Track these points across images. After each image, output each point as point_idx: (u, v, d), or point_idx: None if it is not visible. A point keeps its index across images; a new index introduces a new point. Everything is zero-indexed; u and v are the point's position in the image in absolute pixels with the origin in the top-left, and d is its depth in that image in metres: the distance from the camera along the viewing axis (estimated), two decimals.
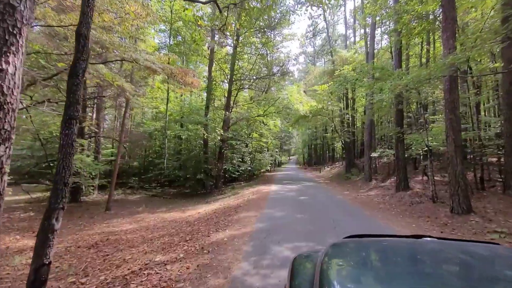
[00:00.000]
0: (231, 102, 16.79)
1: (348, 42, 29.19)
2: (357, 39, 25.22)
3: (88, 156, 11.26)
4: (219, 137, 14.51)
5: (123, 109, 20.53)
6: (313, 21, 27.17)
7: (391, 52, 18.16)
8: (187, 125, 16.47)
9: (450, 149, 6.95)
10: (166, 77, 8.22)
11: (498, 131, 10.61)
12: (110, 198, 10.61)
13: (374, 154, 15.29)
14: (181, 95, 21.89)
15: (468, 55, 6.23)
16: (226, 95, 16.42)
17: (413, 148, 10.72)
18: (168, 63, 8.29)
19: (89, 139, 13.17)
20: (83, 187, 13.53)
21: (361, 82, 12.94)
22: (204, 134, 14.21)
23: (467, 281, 0.97)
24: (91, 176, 13.77)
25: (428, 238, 1.41)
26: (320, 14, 25.00)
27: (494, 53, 9.11)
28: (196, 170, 15.13)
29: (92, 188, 14.35)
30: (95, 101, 13.67)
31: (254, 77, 17.14)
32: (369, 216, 6.97)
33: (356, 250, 1.32)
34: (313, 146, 48.86)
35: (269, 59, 17.41)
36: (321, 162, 42.10)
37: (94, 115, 14.88)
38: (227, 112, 15.23)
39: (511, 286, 0.92)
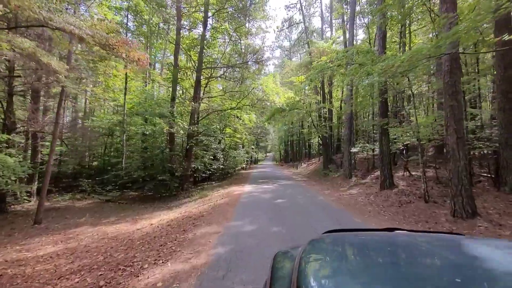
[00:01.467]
0: (200, 93, 14.93)
1: (324, 36, 28.44)
2: (334, 34, 24.43)
3: (12, 155, 8.86)
4: (183, 131, 12.62)
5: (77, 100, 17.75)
6: (288, 11, 25.90)
7: (370, 43, 17.44)
8: (151, 119, 14.36)
9: (451, 141, 5.88)
10: (102, 51, 6.28)
11: (482, 122, 10.06)
12: (40, 208, 8.39)
13: (354, 149, 14.37)
14: (145, 86, 19.50)
15: (472, 26, 5.14)
16: (194, 85, 14.50)
17: (399, 141, 9.77)
18: (108, 33, 6.31)
19: (16, 135, 10.64)
20: (18, 193, 11.03)
21: (342, 69, 11.86)
22: (165, 128, 12.24)
23: (436, 270, 1.01)
24: (23, 180, 11.28)
25: (400, 231, 1.49)
26: (296, 3, 23.76)
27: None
28: (158, 170, 13.12)
29: (27, 194, 11.78)
30: (29, 88, 11.10)
31: (225, 66, 15.39)
32: (361, 223, 5.71)
33: (334, 245, 1.35)
34: (289, 143, 48.20)
35: (242, 47, 15.74)
36: (298, 159, 41.47)
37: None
38: (195, 104, 13.36)
39: (475, 272, 0.97)
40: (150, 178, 12.97)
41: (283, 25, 28.39)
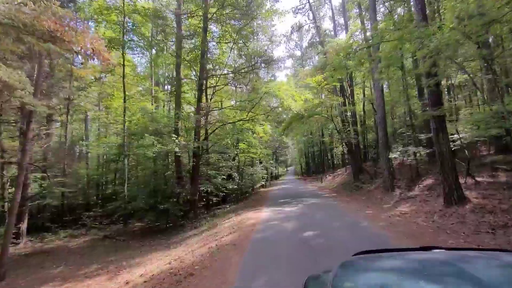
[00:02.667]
0: (206, 104, 13.19)
1: (337, 38, 26.41)
2: (350, 28, 22.28)
3: None
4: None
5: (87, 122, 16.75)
6: (296, 14, 24.32)
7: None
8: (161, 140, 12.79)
9: None
10: (40, 41, 4.58)
11: None
12: (3, 257, 6.62)
13: (393, 155, 11.67)
14: (152, 105, 18.27)
15: None
16: (196, 95, 12.82)
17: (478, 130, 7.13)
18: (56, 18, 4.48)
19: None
20: None
21: (366, 63, 9.63)
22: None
23: None
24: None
25: (438, 250, 1.36)
26: (305, 4, 22.13)
27: None
28: (160, 197, 11.22)
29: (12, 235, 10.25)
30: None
31: (231, 72, 13.64)
32: None
33: (366, 268, 1.27)
34: (310, 154, 45.21)
35: (249, 49, 13.97)
36: (321, 171, 38.36)
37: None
38: (198, 116, 11.55)
39: None
40: (151, 207, 11.05)
41: (292, 30, 26.74)
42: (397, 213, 8.08)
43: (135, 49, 15.25)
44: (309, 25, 28.41)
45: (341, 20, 26.04)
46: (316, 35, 25.24)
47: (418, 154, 11.57)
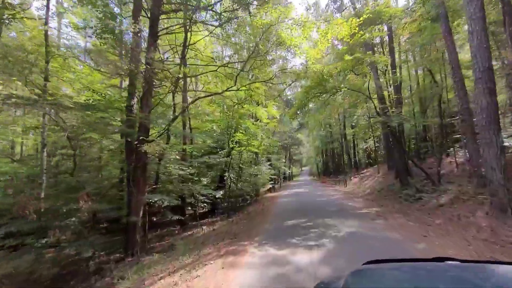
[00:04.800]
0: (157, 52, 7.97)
1: None
2: None
3: None
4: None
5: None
6: None
7: None
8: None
9: None
10: None
11: None
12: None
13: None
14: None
15: None
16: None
17: None
18: None
19: None
20: None
21: None
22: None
23: None
24: None
25: (452, 262, 1.29)
26: None
27: None
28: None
29: None
30: None
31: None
32: None
33: (377, 278, 1.22)
34: (329, 152, 38.88)
35: None
36: (341, 171, 32.30)
37: None
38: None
39: None
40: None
41: None
42: None
43: None
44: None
45: None
46: None
47: None
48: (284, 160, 33.18)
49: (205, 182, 12.20)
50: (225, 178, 13.39)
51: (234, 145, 13.19)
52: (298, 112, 11.89)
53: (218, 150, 13.81)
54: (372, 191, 15.07)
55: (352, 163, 27.43)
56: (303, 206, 11.05)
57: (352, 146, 29.09)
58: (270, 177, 18.73)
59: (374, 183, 17.29)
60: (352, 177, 23.22)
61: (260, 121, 14.25)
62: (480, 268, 1.25)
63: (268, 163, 19.87)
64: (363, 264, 1.40)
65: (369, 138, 23.62)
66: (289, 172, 46.38)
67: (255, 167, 17.03)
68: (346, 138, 26.43)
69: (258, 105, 12.95)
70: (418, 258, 1.56)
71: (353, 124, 25.08)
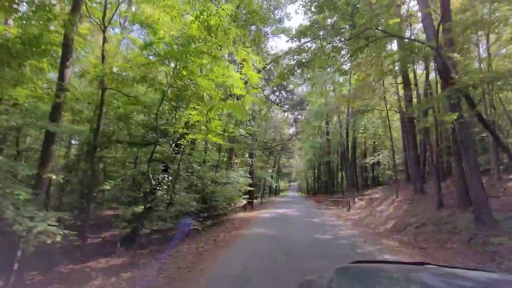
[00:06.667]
0: None
1: None
2: None
3: None
4: None
5: None
6: None
7: None
8: None
9: None
10: None
11: None
12: None
13: None
14: None
15: None
16: None
17: None
18: None
19: None
20: None
21: None
22: None
23: None
24: None
25: (430, 266, 1.45)
26: None
27: None
28: None
29: None
30: None
31: None
32: None
33: (361, 277, 1.29)
34: (322, 167, 33.12)
35: None
36: (339, 189, 26.67)
37: None
38: None
39: None
40: None
41: None
42: None
43: None
44: None
45: None
46: None
47: None
48: (270, 170, 27.32)
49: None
50: (160, 183, 7.48)
51: (184, 127, 7.43)
52: (294, 71, 6.29)
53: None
54: (400, 224, 9.43)
55: (354, 181, 21.72)
56: (292, 254, 5.21)
57: (351, 162, 23.23)
58: (245, 189, 12.81)
59: (397, 210, 11.69)
60: (355, 198, 17.62)
61: (232, 95, 8.66)
62: (455, 273, 1.31)
63: (245, 169, 14.05)
64: (349, 263, 1.46)
65: (381, 149, 18.25)
66: (276, 185, 40.43)
67: (225, 173, 11.21)
68: (348, 146, 20.97)
69: (230, 63, 7.46)
70: (400, 261, 1.71)
71: (362, 127, 19.74)
